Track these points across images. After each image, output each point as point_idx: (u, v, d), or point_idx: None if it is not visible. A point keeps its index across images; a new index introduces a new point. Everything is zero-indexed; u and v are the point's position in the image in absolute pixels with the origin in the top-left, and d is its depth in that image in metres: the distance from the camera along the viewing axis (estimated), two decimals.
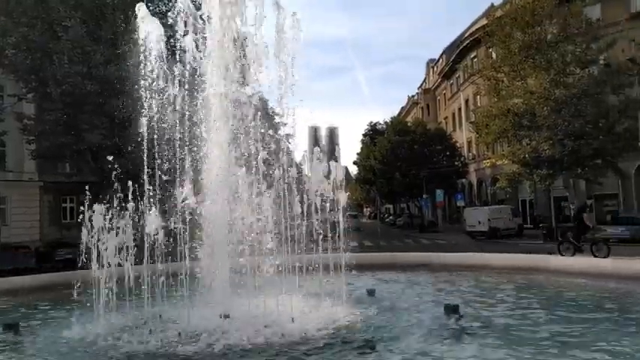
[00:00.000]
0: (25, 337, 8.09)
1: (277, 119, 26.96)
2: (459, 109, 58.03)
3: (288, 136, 13.49)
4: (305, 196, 9.77)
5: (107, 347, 7.14)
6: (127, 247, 8.25)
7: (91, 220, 8.43)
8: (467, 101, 54.15)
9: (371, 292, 10.51)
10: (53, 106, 28.95)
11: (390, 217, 74.51)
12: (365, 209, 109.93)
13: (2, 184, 30.29)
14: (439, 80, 67.98)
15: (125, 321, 8.20)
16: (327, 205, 9.48)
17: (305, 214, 9.68)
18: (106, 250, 8.18)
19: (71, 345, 7.48)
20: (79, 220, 8.67)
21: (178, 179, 8.78)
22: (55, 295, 11.46)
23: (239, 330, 7.34)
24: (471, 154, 55.20)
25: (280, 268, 8.78)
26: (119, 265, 8.20)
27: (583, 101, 29.23)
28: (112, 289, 8.27)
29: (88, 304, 8.51)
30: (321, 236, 9.44)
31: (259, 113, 9.71)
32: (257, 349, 6.76)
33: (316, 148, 10.14)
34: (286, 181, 9.58)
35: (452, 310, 8.32)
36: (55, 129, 29.51)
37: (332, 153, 11.69)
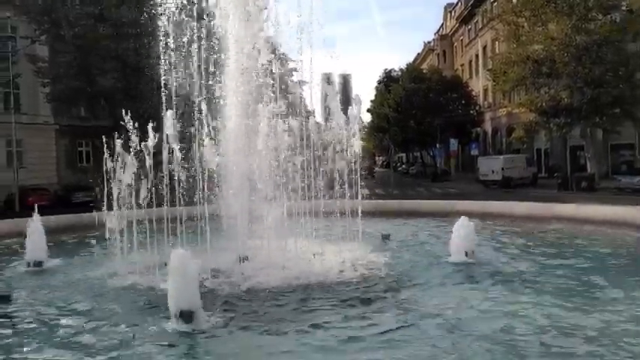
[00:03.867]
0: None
1: (290, 65, 26.60)
2: (477, 56, 56.75)
3: (301, 82, 13.35)
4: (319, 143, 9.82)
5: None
6: (148, 189, 8.35)
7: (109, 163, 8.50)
8: (485, 48, 52.86)
9: (386, 237, 10.67)
10: (66, 48, 28.74)
11: (403, 166, 74.42)
12: (377, 158, 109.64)
13: (18, 127, 30.46)
14: (457, 26, 66.17)
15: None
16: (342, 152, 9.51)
17: (320, 161, 9.75)
18: (127, 192, 8.31)
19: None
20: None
21: (196, 122, 8.80)
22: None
23: (257, 272, 7.53)
24: (486, 102, 54.35)
25: (298, 214, 8.92)
26: (139, 207, 8.33)
27: (604, 48, 28.47)
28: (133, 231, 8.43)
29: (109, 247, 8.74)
30: (335, 183, 9.52)
31: (273, 57, 9.61)
32: (277, 289, 6.93)
33: (331, 89, 10.08)
34: (302, 128, 9.60)
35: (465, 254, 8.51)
36: (68, 72, 29.39)
37: (346, 101, 11.61)
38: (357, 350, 4.86)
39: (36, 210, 9.28)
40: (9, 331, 5.69)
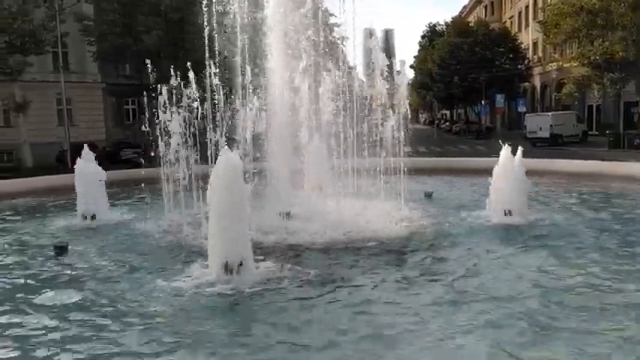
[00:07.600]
0: None
1: (332, 20, 26.15)
2: (526, 8, 54.33)
3: (342, 38, 13.09)
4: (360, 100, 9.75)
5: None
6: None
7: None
8: None
9: (428, 195, 10.62)
10: (110, 6, 29.08)
11: (447, 124, 72.95)
12: (420, 115, 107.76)
13: (67, 86, 31.26)
14: None
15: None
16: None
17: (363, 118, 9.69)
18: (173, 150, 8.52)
19: None
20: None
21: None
22: None
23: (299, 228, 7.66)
24: (535, 56, 52.27)
25: (340, 171, 8.95)
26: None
27: None
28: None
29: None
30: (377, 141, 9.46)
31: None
32: (319, 246, 7.03)
33: (374, 41, 9.90)
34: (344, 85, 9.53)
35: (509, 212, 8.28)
36: (113, 30, 29.80)
37: (388, 57, 11.37)
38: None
39: (94, 163, 9.57)
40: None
